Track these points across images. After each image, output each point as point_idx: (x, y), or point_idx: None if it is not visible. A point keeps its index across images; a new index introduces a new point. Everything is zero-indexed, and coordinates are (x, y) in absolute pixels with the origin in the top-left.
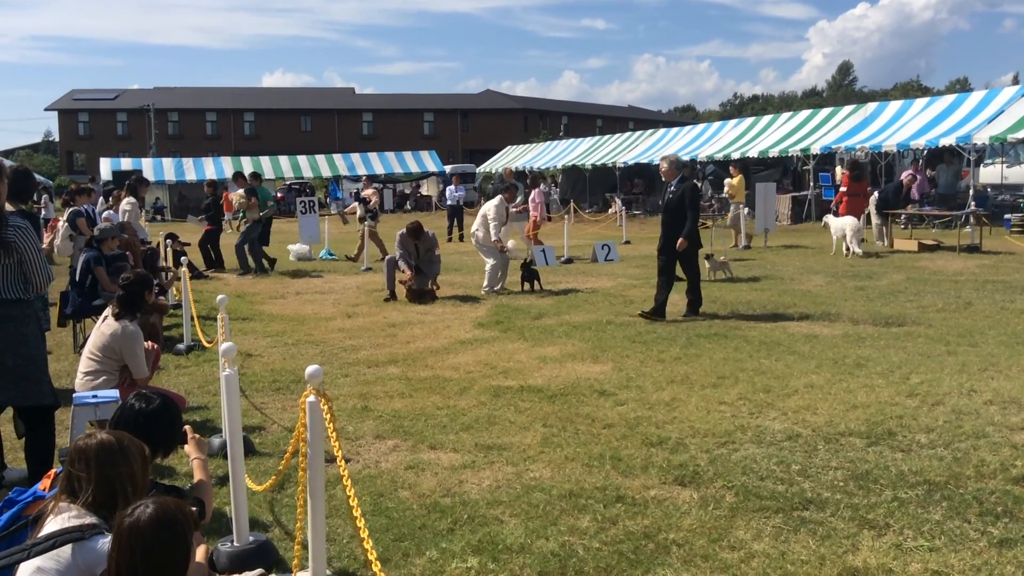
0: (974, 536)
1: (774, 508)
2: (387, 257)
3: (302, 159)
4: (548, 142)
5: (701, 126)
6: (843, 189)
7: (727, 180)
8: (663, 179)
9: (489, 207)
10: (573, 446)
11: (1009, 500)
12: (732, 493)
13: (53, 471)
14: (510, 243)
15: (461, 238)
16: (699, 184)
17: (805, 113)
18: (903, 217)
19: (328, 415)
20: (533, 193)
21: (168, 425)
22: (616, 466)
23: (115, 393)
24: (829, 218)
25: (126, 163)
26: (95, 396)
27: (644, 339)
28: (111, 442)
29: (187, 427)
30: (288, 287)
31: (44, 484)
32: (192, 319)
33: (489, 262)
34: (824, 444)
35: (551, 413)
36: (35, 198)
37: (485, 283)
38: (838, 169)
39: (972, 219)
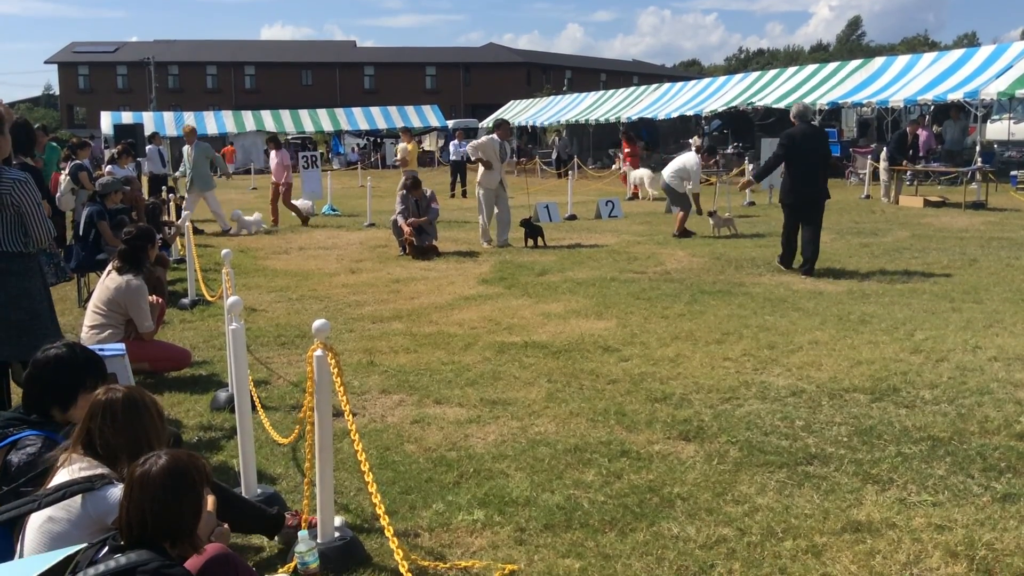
0: (977, 491)
1: (778, 463)
2: (392, 218)
3: (303, 113)
4: (551, 97)
5: (706, 80)
6: (627, 150)
7: (400, 146)
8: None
9: (485, 147)
10: (578, 401)
11: (1013, 456)
12: (736, 448)
13: None
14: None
15: (464, 194)
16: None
17: (811, 67)
18: (909, 173)
19: (335, 369)
20: (273, 154)
21: (80, 373)
22: (621, 421)
23: (121, 346)
24: (628, 169)
25: (127, 117)
26: (102, 349)
27: (648, 295)
28: (134, 396)
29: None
30: (291, 242)
31: None
32: (196, 274)
33: (483, 214)
34: (828, 400)
35: (555, 369)
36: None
37: (481, 236)
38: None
39: (978, 175)
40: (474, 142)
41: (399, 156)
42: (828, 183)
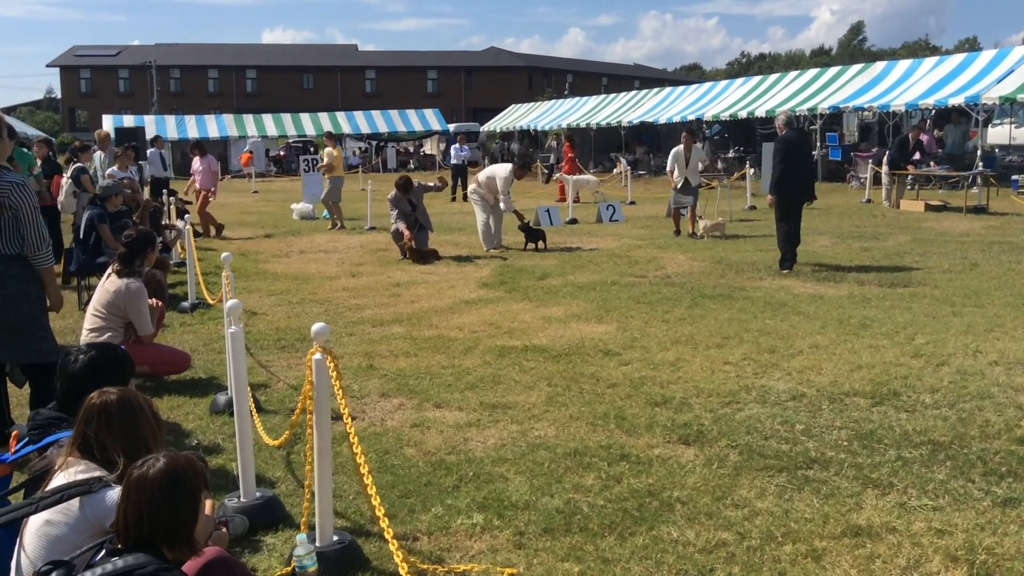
0: (978, 495)
1: (778, 467)
2: (392, 227)
3: (304, 117)
4: (553, 101)
5: (707, 85)
6: (570, 155)
7: (326, 151)
8: (778, 134)
9: (499, 175)
10: (578, 405)
11: (1013, 460)
12: (736, 452)
13: (16, 431)
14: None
15: (465, 198)
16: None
17: (812, 72)
18: (910, 178)
19: (335, 373)
20: (198, 161)
21: (118, 371)
22: (620, 425)
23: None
24: (565, 177)
25: (128, 120)
26: None
27: (648, 299)
28: (128, 398)
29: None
30: (292, 245)
31: (12, 446)
32: (197, 277)
33: (480, 218)
34: (828, 404)
35: (556, 372)
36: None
37: (482, 241)
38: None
39: (979, 180)
40: (505, 181)
41: (324, 162)
42: (827, 186)
